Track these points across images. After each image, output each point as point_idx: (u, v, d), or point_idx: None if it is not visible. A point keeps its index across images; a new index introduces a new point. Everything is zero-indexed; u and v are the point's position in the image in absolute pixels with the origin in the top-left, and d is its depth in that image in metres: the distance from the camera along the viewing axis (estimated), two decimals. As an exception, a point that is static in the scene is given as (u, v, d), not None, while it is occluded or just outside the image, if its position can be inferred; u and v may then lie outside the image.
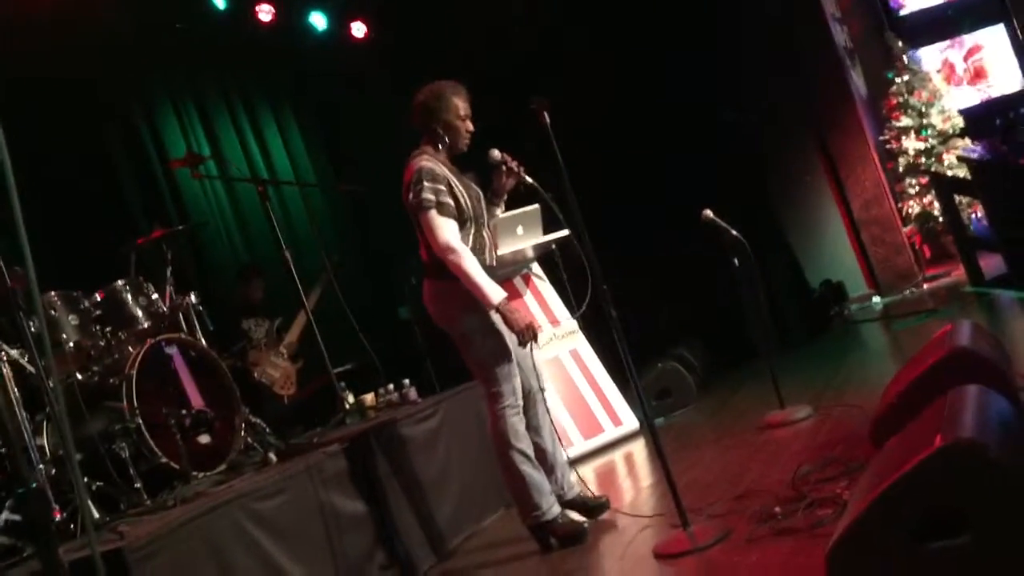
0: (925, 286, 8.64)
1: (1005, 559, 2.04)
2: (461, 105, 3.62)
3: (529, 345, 3.56)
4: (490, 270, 3.66)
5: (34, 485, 1.48)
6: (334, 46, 7.79)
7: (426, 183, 3.47)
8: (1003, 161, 6.94)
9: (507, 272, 5.70)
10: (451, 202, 3.49)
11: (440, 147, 3.63)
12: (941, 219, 9.04)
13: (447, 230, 3.46)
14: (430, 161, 3.55)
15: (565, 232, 5.42)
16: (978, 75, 10.35)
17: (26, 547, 3.10)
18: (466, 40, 7.74)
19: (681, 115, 7.79)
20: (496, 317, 3.52)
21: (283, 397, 5.70)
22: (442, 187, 3.48)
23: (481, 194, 3.70)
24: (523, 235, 5.51)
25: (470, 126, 3.65)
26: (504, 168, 3.66)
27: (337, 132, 8.10)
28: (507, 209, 4.03)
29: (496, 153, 3.65)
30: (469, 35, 7.78)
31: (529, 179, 3.65)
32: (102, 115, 6.40)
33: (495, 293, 3.44)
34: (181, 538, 2.81)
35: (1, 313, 3.57)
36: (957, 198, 8.38)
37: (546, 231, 5.54)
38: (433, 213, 3.46)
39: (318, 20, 7.65)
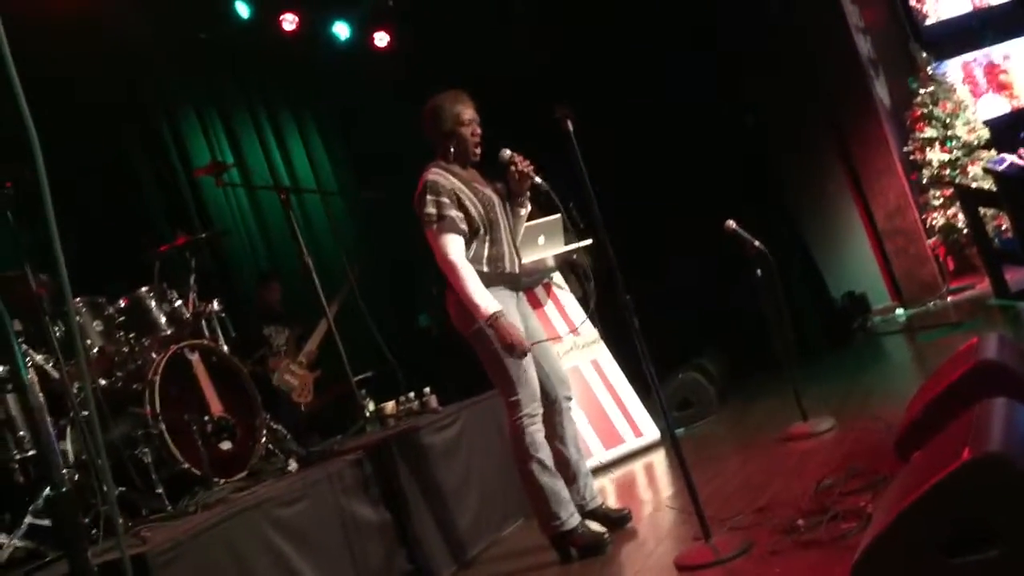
0: (949, 298, 8.57)
1: (1035, 574, 2.02)
2: (463, 111, 3.64)
3: (555, 353, 3.55)
4: (512, 277, 3.67)
5: (64, 489, 1.49)
6: (357, 55, 7.85)
7: (429, 197, 3.51)
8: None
9: (528, 281, 5.69)
10: (457, 214, 3.52)
11: (450, 156, 3.66)
12: (966, 231, 8.96)
13: (445, 245, 3.50)
14: (437, 174, 3.58)
15: (587, 242, 5.42)
16: (1003, 87, 10.27)
17: (48, 552, 3.12)
18: (488, 48, 7.76)
19: (704, 124, 7.76)
20: (518, 320, 3.55)
21: (300, 405, 5.72)
22: (446, 200, 3.51)
23: (495, 200, 3.69)
24: (544, 245, 5.51)
25: (476, 131, 3.66)
26: (514, 168, 3.65)
27: (359, 141, 8.15)
28: (531, 218, 4.02)
29: (506, 152, 3.64)
30: (491, 43, 7.80)
31: (539, 180, 3.64)
32: (127, 123, 6.46)
33: (487, 307, 3.45)
34: (203, 544, 2.82)
35: (27, 319, 3.60)
36: (982, 210, 8.31)
37: (568, 241, 5.53)
38: (434, 229, 3.52)
39: (341, 30, 7.71)
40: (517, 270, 3.72)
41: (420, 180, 3.60)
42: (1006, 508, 2.02)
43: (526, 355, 3.50)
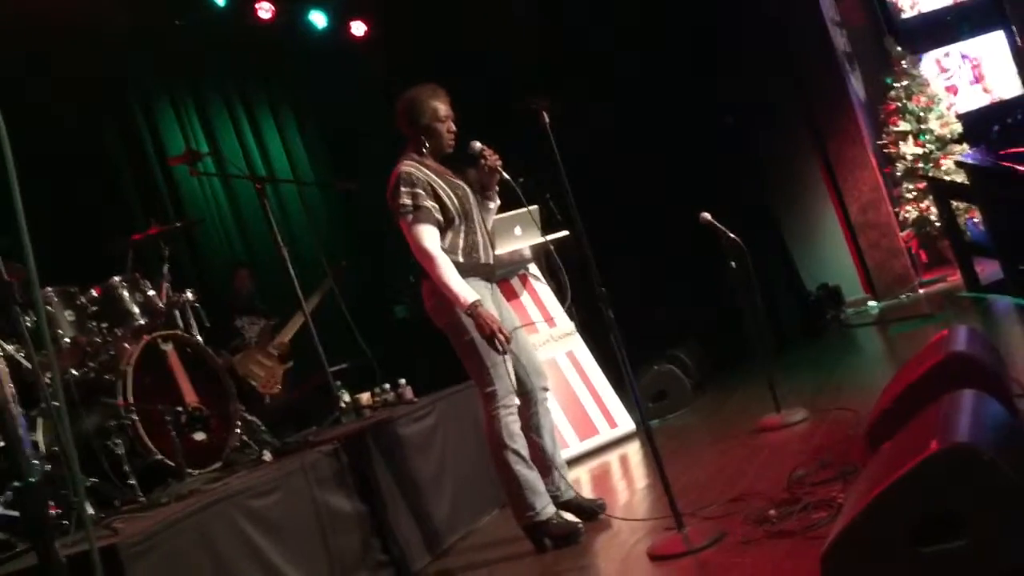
0: (921, 291, 8.66)
1: (1001, 562, 2.05)
2: (440, 107, 3.66)
3: (529, 345, 3.56)
4: (487, 268, 3.68)
5: (32, 480, 1.48)
6: (333, 44, 7.80)
7: (403, 188, 3.53)
8: (997, 166, 6.96)
9: (504, 272, 5.70)
10: (432, 204, 3.53)
11: (424, 150, 3.67)
12: (938, 224, 9.05)
13: (421, 235, 3.52)
14: (410, 165, 3.60)
15: (563, 233, 5.43)
16: (977, 81, 10.37)
17: (19, 542, 3.09)
18: (466, 39, 7.74)
19: (679, 118, 7.78)
20: (494, 310, 3.57)
21: (265, 396, 5.66)
22: (420, 191, 3.52)
23: (469, 192, 3.70)
24: (520, 235, 5.51)
25: (451, 127, 3.69)
26: (483, 161, 3.67)
27: (335, 130, 8.10)
28: (506, 210, 4.03)
29: (476, 145, 3.67)
30: (469, 34, 7.78)
31: (506, 175, 3.67)
32: (100, 111, 6.39)
33: (466, 296, 3.46)
34: (175, 535, 2.80)
35: (-2, 308, 3.56)
36: (954, 203, 8.39)
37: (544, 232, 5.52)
38: (409, 219, 3.53)
39: (318, 18, 7.66)
40: (491, 261, 3.73)
41: (393, 173, 3.61)
42: (973, 498, 2.05)
43: (508, 344, 3.50)
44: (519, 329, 3.82)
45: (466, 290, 3.47)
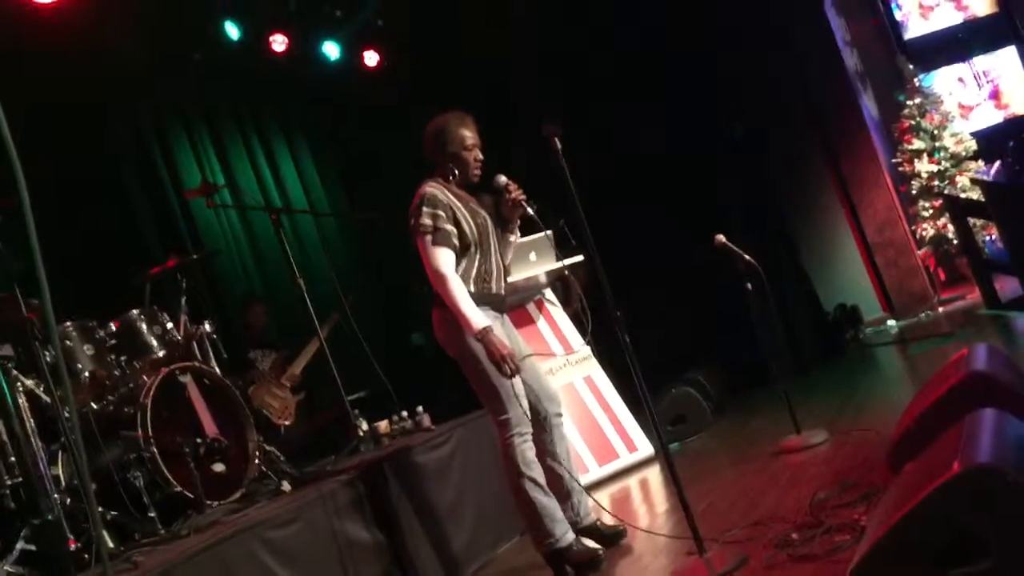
0: (940, 309, 8.60)
1: (1027, 585, 2.02)
2: (467, 135, 3.68)
3: (541, 372, 3.61)
4: (498, 298, 3.70)
5: (50, 517, 1.48)
6: (347, 75, 7.87)
7: (425, 209, 3.54)
8: (1014, 183, 6.93)
9: (520, 298, 5.70)
10: (451, 228, 3.54)
11: (451, 178, 3.69)
12: (955, 241, 9.00)
13: (436, 257, 3.52)
14: (435, 188, 3.62)
15: (578, 258, 5.43)
16: (994, 97, 10.35)
17: (40, 577, 3.10)
18: (479, 68, 7.79)
19: (692, 140, 7.78)
20: (506, 339, 3.56)
21: (280, 427, 5.68)
22: (441, 213, 3.54)
23: (489, 221, 3.72)
24: (536, 261, 5.51)
25: (478, 155, 3.70)
26: (507, 195, 3.68)
27: (351, 161, 8.16)
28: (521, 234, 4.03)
29: (501, 179, 3.68)
30: (482, 63, 7.82)
31: (531, 211, 3.67)
32: (117, 144, 6.46)
33: (477, 321, 3.46)
34: (195, 567, 2.80)
35: (18, 343, 3.59)
36: (971, 220, 8.35)
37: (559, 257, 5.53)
38: (427, 240, 3.53)
39: (331, 49, 7.72)
40: (503, 292, 3.74)
41: (417, 193, 3.63)
42: (997, 519, 2.03)
43: (517, 371, 3.50)
44: (531, 357, 3.81)
45: (477, 315, 3.48)
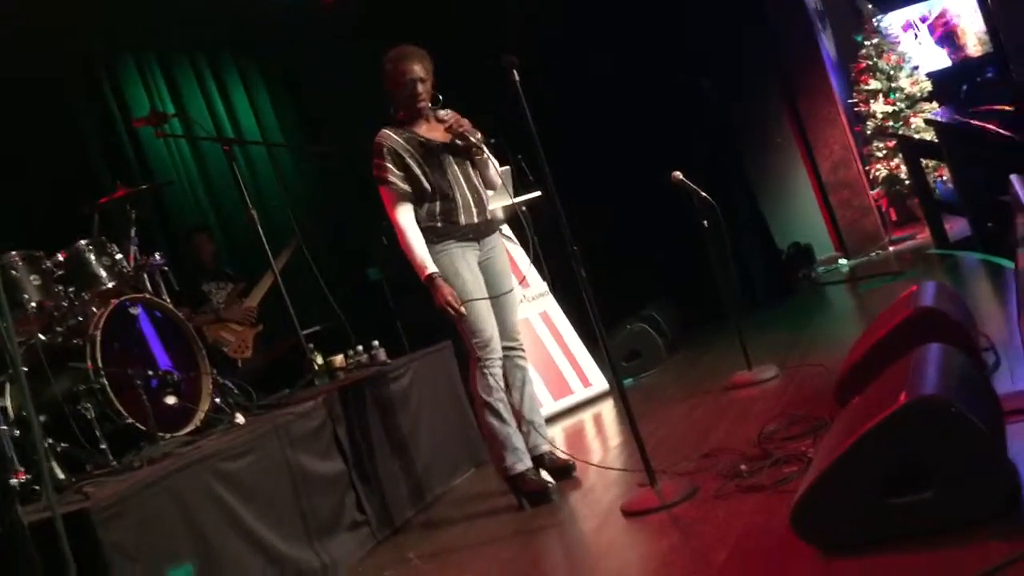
0: (891, 248, 8.74)
1: (968, 512, 2.08)
2: (407, 69, 3.69)
3: (510, 305, 3.81)
4: (469, 228, 3.73)
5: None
6: (304, 5, 7.64)
7: (375, 160, 3.69)
8: (966, 124, 7.00)
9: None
10: (399, 175, 3.64)
11: (399, 113, 3.76)
12: (908, 182, 9.12)
13: (390, 205, 3.66)
14: (383, 135, 3.70)
15: (536, 194, 5.41)
16: (949, 38, 10.40)
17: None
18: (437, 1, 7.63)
19: (651, 77, 7.73)
20: (468, 271, 3.65)
21: (237, 361, 5.62)
22: (389, 165, 3.65)
23: (446, 154, 3.71)
24: (493, 196, 5.46)
25: (416, 89, 3.70)
26: (450, 128, 3.71)
27: (306, 93, 7.98)
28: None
29: (441, 113, 3.76)
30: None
31: (473, 139, 3.71)
32: (63, 72, 6.25)
33: (424, 268, 3.59)
34: (148, 498, 2.78)
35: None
36: (924, 161, 8.45)
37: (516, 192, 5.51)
38: (383, 190, 3.68)
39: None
40: (475, 219, 3.75)
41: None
42: (940, 449, 2.08)
43: (460, 314, 3.58)
44: (509, 291, 3.85)
45: (425, 261, 3.60)
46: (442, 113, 3.75)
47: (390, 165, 3.63)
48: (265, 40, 7.69)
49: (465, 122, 3.71)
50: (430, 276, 3.58)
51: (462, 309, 3.57)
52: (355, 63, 7.34)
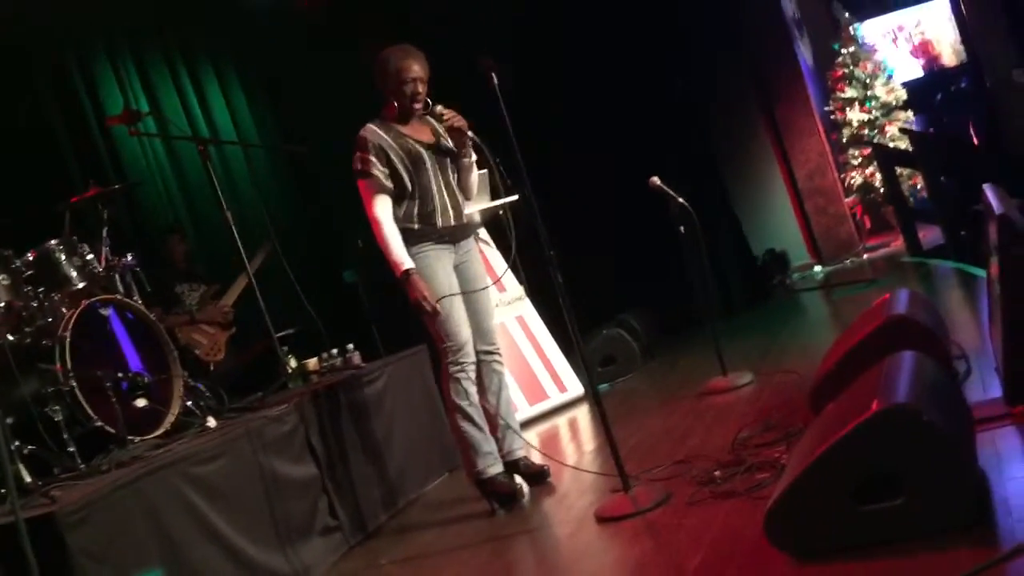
0: (865, 256, 8.81)
1: (938, 520, 2.09)
2: (405, 68, 3.67)
3: (485, 308, 3.80)
4: (446, 231, 3.72)
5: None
6: (280, 4, 7.60)
7: (357, 153, 3.66)
8: (940, 134, 7.08)
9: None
10: (382, 171, 3.61)
11: (391, 111, 3.73)
12: (882, 190, 9.19)
13: (369, 201, 3.62)
14: (369, 130, 3.67)
15: (513, 197, 5.40)
16: (923, 48, 10.51)
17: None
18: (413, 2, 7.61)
19: (628, 83, 7.75)
20: (443, 274, 3.65)
21: (209, 364, 5.56)
22: (372, 158, 3.62)
23: (426, 156, 3.69)
24: (470, 200, 5.45)
25: (416, 88, 3.68)
26: (445, 124, 3.71)
27: (282, 93, 7.92)
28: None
29: (437, 108, 3.72)
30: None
31: (471, 134, 3.70)
32: (36, 69, 6.17)
33: (401, 264, 3.57)
34: (116, 503, 2.75)
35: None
36: (898, 170, 8.53)
37: (494, 196, 5.50)
38: (363, 183, 3.64)
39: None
40: (453, 222, 3.74)
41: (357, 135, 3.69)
42: (912, 457, 2.09)
43: (435, 312, 3.57)
44: (476, 292, 3.83)
45: (402, 258, 3.58)
46: (440, 109, 3.71)
47: (374, 159, 3.60)
48: (241, 39, 7.63)
49: (464, 121, 3.69)
50: (406, 272, 3.56)
51: (437, 306, 3.57)
52: (332, 63, 7.32)
